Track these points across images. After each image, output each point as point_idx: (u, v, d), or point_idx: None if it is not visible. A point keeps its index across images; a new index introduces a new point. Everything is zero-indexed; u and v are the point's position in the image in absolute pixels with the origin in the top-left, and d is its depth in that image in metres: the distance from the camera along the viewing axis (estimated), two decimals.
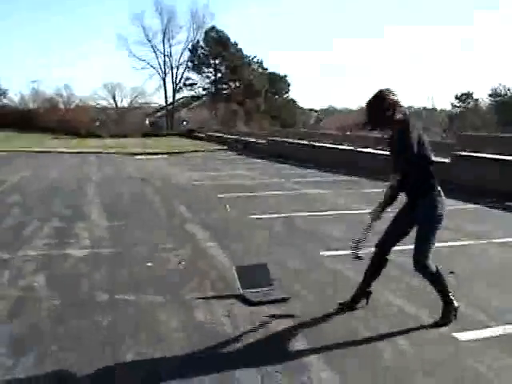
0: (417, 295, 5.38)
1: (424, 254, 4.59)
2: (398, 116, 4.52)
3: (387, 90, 4.63)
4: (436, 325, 4.62)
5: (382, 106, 4.53)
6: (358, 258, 4.76)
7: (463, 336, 4.44)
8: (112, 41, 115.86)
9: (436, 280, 4.70)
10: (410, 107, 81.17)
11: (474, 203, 11.35)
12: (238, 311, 5.04)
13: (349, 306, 5.03)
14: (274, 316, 4.87)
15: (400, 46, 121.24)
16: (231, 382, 3.75)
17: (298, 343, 4.37)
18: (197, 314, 5.00)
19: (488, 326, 4.68)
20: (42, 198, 12.86)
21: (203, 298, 5.40)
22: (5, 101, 63.46)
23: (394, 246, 4.88)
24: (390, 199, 4.61)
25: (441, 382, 3.76)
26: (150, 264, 6.70)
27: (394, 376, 3.83)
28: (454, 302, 4.68)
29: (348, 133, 24.63)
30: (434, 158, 4.71)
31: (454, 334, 4.46)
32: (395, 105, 4.53)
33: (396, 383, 3.76)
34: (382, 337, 4.48)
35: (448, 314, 4.66)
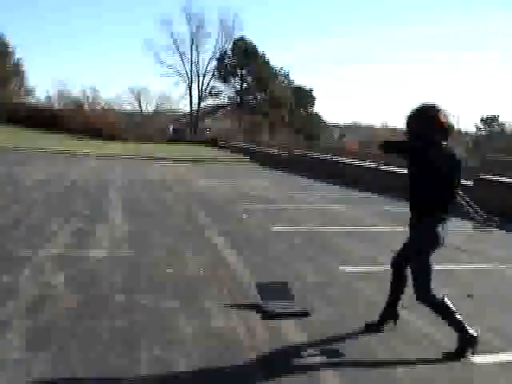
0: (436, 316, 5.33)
1: (422, 287, 4.48)
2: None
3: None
4: (454, 354, 4.43)
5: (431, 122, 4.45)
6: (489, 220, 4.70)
7: (479, 359, 4.41)
8: (140, 45, 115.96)
9: (442, 311, 4.51)
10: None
11: (495, 228, 11.24)
12: (256, 322, 5.05)
13: (375, 328, 4.96)
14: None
15: (427, 67, 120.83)
16: None
17: (313, 357, 4.37)
18: (213, 321, 5.03)
19: (505, 351, 4.65)
20: (64, 198, 13.01)
21: (221, 306, 5.43)
22: (31, 100, 64.23)
23: (406, 263, 4.81)
24: None
25: None
26: (168, 269, 6.74)
27: None
28: (471, 331, 4.44)
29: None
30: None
31: (471, 358, 4.42)
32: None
33: None
34: (396, 355, 4.47)
35: (463, 345, 4.44)
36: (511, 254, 8.81)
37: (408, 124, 4.58)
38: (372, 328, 4.97)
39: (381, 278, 5.82)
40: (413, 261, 4.59)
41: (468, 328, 4.46)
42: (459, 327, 4.48)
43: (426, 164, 4.44)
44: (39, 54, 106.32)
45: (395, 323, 4.99)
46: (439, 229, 4.47)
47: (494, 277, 7.28)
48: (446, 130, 4.47)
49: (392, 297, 4.93)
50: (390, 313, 4.98)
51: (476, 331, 4.49)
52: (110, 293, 5.73)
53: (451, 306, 4.51)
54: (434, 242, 4.49)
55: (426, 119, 4.46)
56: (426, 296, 4.50)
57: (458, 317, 4.49)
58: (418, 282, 4.51)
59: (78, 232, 8.81)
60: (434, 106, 4.50)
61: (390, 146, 4.87)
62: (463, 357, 4.42)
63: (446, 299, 4.51)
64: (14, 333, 4.52)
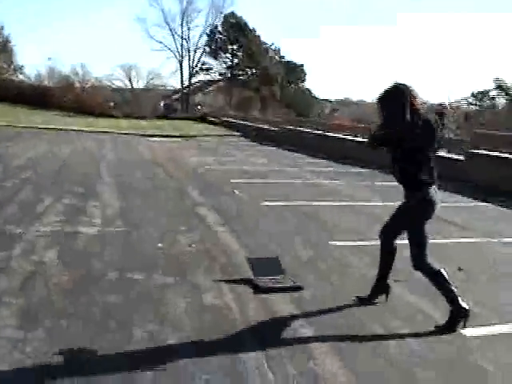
0: (427, 290, 5.34)
1: (418, 255, 4.55)
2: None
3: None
4: (445, 327, 4.47)
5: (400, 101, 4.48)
6: None
7: (470, 332, 4.45)
8: (130, 21, 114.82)
9: (437, 280, 4.57)
10: (425, 102, 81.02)
11: (486, 201, 11.30)
12: (247, 297, 5.08)
13: (367, 301, 5.00)
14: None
15: (418, 40, 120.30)
16: (237, 363, 3.79)
17: (305, 330, 4.41)
18: (205, 296, 5.04)
19: (495, 324, 4.70)
20: (55, 175, 12.94)
21: (213, 281, 5.44)
22: (21, 77, 63.50)
23: (395, 234, 4.85)
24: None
25: (446, 378, 3.79)
26: (160, 245, 6.74)
27: (398, 369, 3.86)
28: (463, 304, 4.50)
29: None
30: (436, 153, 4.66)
31: (461, 331, 4.46)
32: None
33: (401, 376, 3.78)
34: (388, 329, 4.51)
35: (455, 317, 4.49)
36: (500, 227, 8.83)
37: (382, 104, 4.62)
38: (364, 302, 5.00)
39: (372, 252, 5.84)
40: (409, 230, 4.64)
41: (460, 301, 4.51)
42: (452, 298, 4.53)
43: (410, 146, 4.51)
44: (29, 32, 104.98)
45: (387, 297, 5.02)
46: (432, 196, 4.54)
47: (483, 251, 7.33)
48: (418, 109, 4.51)
49: (382, 269, 4.96)
50: (381, 286, 5.00)
51: (467, 304, 4.53)
52: (103, 269, 5.74)
53: (446, 276, 4.57)
54: (429, 209, 4.56)
55: (401, 100, 4.48)
56: (422, 264, 4.57)
57: (452, 288, 4.55)
58: (415, 250, 4.57)
59: (69, 208, 8.78)
60: (407, 87, 4.54)
61: (376, 140, 4.88)
62: (454, 330, 4.46)
63: (441, 270, 4.58)
64: (6, 308, 4.53)
